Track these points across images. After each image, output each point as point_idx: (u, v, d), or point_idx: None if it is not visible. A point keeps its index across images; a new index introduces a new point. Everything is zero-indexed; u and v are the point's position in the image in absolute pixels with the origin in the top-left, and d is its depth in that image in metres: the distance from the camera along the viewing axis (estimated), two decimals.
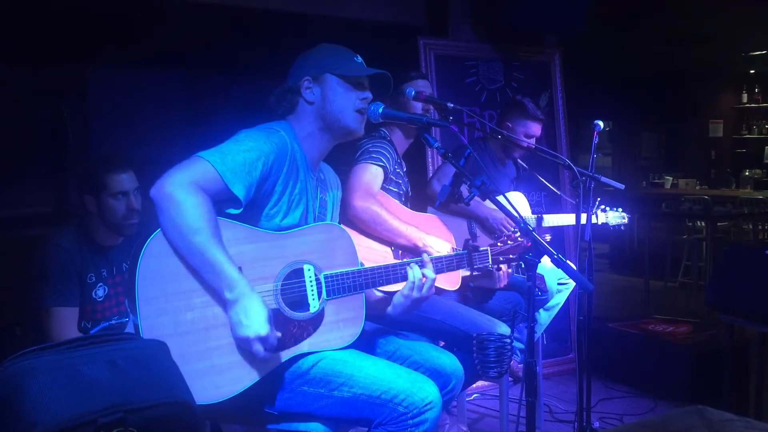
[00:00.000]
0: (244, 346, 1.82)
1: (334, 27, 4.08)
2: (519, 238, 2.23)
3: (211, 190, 1.81)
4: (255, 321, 1.78)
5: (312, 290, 1.97)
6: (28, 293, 2.50)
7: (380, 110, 2.07)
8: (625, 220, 3.66)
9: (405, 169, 2.97)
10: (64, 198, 4.04)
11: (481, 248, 2.23)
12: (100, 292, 2.56)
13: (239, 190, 1.86)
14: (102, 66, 4.35)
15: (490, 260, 2.24)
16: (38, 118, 4.10)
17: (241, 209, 1.90)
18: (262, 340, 1.79)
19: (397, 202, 2.83)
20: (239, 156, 1.86)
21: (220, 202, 1.86)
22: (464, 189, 2.04)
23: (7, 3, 3.31)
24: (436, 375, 2.11)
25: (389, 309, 2.17)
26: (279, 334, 1.84)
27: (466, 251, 2.22)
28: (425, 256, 2.14)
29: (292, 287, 1.95)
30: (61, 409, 1.42)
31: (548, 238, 3.52)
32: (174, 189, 1.76)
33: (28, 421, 1.40)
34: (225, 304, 1.81)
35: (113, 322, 2.59)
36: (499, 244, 2.25)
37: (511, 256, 2.24)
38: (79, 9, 3.63)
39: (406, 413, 1.87)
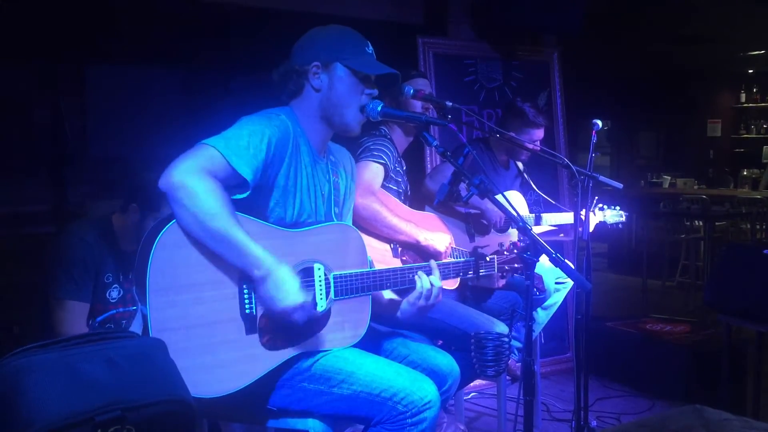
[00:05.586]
0: (282, 319, 1.80)
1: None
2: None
3: (219, 175, 1.79)
4: (290, 292, 1.77)
5: (321, 289, 1.96)
6: (43, 282, 2.46)
7: (379, 108, 2.05)
8: (623, 218, 3.65)
9: (405, 168, 2.96)
10: (62, 195, 4.04)
11: (488, 257, 2.23)
12: (114, 293, 2.54)
13: (246, 173, 1.83)
14: (100, 62, 4.34)
15: (496, 269, 2.24)
16: (36, 114, 4.09)
17: (248, 193, 1.88)
18: (300, 307, 1.78)
19: (396, 200, 2.82)
20: (243, 140, 1.85)
21: (229, 187, 1.84)
22: (462, 188, 2.04)
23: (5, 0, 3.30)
24: (433, 375, 2.11)
25: (398, 314, 2.15)
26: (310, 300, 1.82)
27: (473, 258, 2.22)
28: (432, 263, 2.12)
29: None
30: (59, 406, 1.42)
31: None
32: (184, 177, 1.73)
33: (25, 419, 1.40)
34: (252, 284, 1.80)
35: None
36: (505, 252, 2.25)
37: (516, 265, 2.24)
38: (76, 5, 3.63)
39: (405, 412, 1.86)
